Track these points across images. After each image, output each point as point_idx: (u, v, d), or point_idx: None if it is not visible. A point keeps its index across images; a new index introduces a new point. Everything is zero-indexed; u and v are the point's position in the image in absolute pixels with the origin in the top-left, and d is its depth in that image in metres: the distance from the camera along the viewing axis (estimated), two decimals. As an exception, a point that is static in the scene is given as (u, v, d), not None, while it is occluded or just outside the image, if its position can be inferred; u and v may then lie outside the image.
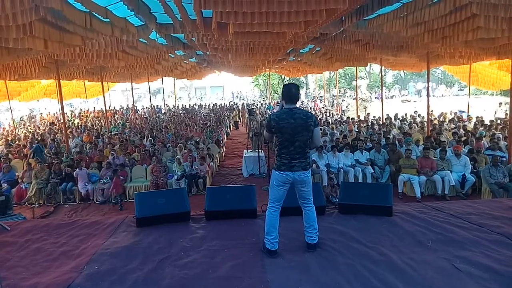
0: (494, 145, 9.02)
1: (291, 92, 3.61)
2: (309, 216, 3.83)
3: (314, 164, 8.63)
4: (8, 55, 7.16)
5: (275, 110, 5.06)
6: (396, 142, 9.72)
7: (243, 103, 32.23)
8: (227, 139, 16.98)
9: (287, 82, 3.78)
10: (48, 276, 3.51)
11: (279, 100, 34.59)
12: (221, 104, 31.10)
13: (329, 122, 16.05)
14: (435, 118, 16.20)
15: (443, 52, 11.14)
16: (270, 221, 3.72)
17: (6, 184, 8.23)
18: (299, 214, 4.66)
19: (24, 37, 5.72)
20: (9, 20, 5.01)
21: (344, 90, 43.88)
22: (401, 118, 16.57)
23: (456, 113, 18.03)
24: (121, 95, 46.88)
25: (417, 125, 14.08)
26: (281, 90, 3.70)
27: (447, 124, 14.23)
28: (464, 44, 8.19)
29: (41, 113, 26.45)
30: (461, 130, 12.29)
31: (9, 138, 15.29)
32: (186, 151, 10.03)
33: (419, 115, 17.24)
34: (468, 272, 3.28)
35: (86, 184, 8.46)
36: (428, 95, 12.18)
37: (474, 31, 6.63)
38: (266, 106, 27.60)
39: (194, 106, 29.79)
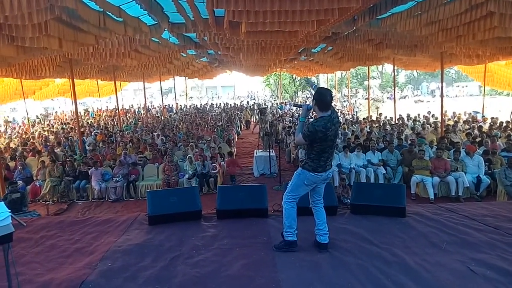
0: (510, 146, 8.85)
1: (326, 99, 3.55)
2: (321, 213, 3.90)
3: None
4: (24, 54, 7.28)
5: (300, 112, 5.11)
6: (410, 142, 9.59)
7: (254, 102, 32.23)
8: (238, 138, 16.99)
9: (320, 87, 3.87)
10: (62, 272, 3.56)
11: (289, 100, 34.58)
12: (232, 103, 31.13)
13: (341, 122, 15.93)
14: (449, 119, 15.97)
15: (458, 51, 10.97)
16: (291, 214, 3.78)
17: (21, 182, 8.37)
18: (310, 214, 4.64)
19: (39, 36, 5.82)
20: (25, 19, 5.10)
21: (356, 90, 43.58)
22: (413, 119, 16.37)
23: (471, 113, 17.74)
24: (133, 94, 47.37)
25: (430, 126, 13.89)
26: (314, 95, 3.61)
27: (461, 125, 14.01)
28: (480, 43, 8.05)
29: (56, 112, 26.86)
30: (476, 131, 12.08)
31: (24, 137, 15.55)
32: (197, 150, 10.07)
33: (432, 115, 17.01)
34: (483, 275, 3.22)
35: (100, 182, 8.55)
36: (441, 95, 12.00)
37: (490, 30, 6.52)
38: (278, 106, 27.54)
39: (205, 105, 29.89)
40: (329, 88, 36.19)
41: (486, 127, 13.23)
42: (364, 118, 17.96)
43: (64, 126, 18.61)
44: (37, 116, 23.91)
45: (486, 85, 17.87)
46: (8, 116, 24.29)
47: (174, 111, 26.13)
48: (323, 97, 3.54)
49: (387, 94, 38.91)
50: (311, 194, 3.91)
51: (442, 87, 12.12)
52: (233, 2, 5.30)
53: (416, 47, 10.32)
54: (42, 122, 21.96)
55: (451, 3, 5.98)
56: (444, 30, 7.14)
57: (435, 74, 36.65)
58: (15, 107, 30.65)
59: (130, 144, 11.55)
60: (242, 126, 21.65)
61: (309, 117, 4.49)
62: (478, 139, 10.40)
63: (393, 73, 18.98)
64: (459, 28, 6.86)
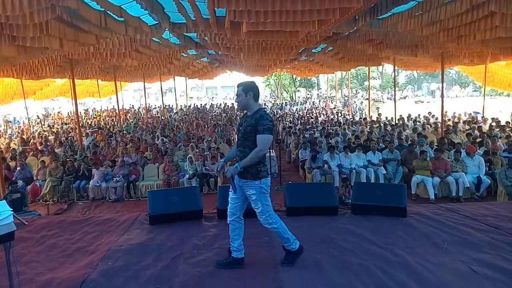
0: (511, 147, 8.84)
1: (258, 89, 3.37)
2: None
3: (326, 165, 8.58)
4: (25, 53, 7.27)
5: (277, 110, 4.95)
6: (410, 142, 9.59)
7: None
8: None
9: (247, 81, 3.42)
10: (63, 272, 3.55)
11: (289, 100, 34.57)
12: (232, 104, 31.14)
13: (341, 123, 15.95)
14: (449, 119, 15.97)
15: (458, 52, 10.97)
16: (284, 227, 3.46)
17: (21, 181, 8.36)
18: (313, 214, 4.65)
19: (40, 36, 5.80)
20: (27, 19, 5.09)
21: (356, 90, 43.62)
22: (414, 119, 16.37)
23: (471, 114, 17.74)
24: (134, 95, 47.39)
25: (431, 126, 13.89)
26: (246, 88, 3.29)
27: (461, 126, 14.00)
28: (481, 44, 8.04)
29: (59, 112, 26.90)
30: (476, 131, 12.08)
31: (25, 136, 15.55)
32: (197, 150, 10.07)
33: (432, 116, 17.01)
34: (485, 275, 3.21)
35: (99, 182, 8.54)
36: (442, 96, 12.01)
37: (491, 30, 6.51)
38: (278, 106, 27.55)
39: (205, 106, 29.90)
40: (331, 86, 36.20)
41: (486, 127, 13.23)
42: (364, 119, 17.97)
43: (64, 126, 18.60)
44: (37, 116, 23.92)
45: (487, 86, 17.87)
46: (7, 115, 24.25)
47: (174, 111, 26.13)
48: (257, 89, 3.34)
49: (387, 95, 38.95)
50: (241, 206, 3.48)
51: (442, 87, 12.15)
52: (234, 2, 5.29)
53: (417, 47, 10.32)
54: (43, 122, 21.95)
55: (452, 3, 5.98)
56: (445, 30, 7.14)
57: (436, 75, 36.68)
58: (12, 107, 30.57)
59: (131, 144, 11.55)
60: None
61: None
62: (478, 140, 10.40)
63: (393, 74, 18.96)
64: (460, 28, 6.86)
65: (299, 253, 3.51)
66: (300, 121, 17.63)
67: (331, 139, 10.99)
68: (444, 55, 11.26)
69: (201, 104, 31.32)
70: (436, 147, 9.09)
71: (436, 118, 15.98)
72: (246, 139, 3.28)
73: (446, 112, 15.35)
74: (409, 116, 16.87)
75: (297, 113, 22.75)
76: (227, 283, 3.26)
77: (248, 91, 3.28)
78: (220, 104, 30.19)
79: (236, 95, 3.38)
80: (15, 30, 5.56)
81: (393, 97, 18.66)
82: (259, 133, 3.16)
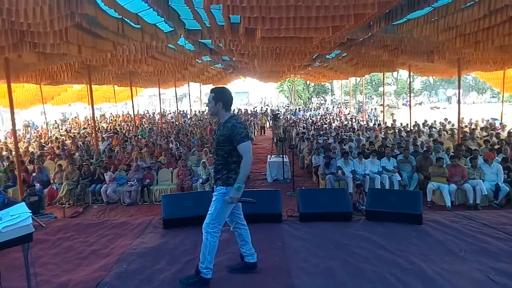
0: (530, 154, 8.63)
1: (230, 97, 3.30)
2: (247, 232, 3.52)
3: (339, 170, 8.52)
4: (44, 60, 7.48)
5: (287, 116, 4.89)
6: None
7: (267, 108, 32.30)
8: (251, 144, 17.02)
9: (220, 86, 3.46)
10: (79, 274, 3.61)
11: (303, 106, 34.49)
12: (244, 109, 31.25)
13: (355, 129, 15.83)
14: (466, 126, 15.69)
15: (475, 57, 10.81)
16: (215, 247, 3.24)
17: (38, 185, 8.54)
18: (327, 220, 4.62)
19: (60, 42, 5.97)
20: (47, 26, 5.24)
21: (370, 96, 43.29)
22: (429, 125, 16.13)
23: (488, 120, 17.40)
24: (149, 100, 48.03)
25: (447, 133, 13.67)
26: (218, 95, 3.25)
27: (478, 132, 13.74)
28: (499, 49, 7.92)
29: (76, 117, 27.47)
30: (494, 138, 11.83)
31: (42, 141, 15.89)
32: (211, 155, 10.12)
33: (449, 122, 16.74)
34: (504, 284, 3.14)
35: (109, 189, 8.60)
36: (459, 102, 11.81)
37: (510, 36, 6.41)
38: (291, 112, 27.51)
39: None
40: (345, 92, 36.03)
41: (504, 134, 12.94)
42: (378, 125, 17.80)
43: (81, 131, 18.95)
44: (55, 121, 24.46)
45: (505, 92, 17.51)
46: (29, 121, 24.84)
47: (189, 117, 26.35)
48: (229, 98, 3.28)
49: (403, 101, 38.54)
50: (235, 213, 3.43)
51: (459, 93, 11.94)
52: (249, 9, 5.34)
53: (433, 53, 10.20)
54: (60, 127, 22.42)
55: (469, 9, 5.90)
56: (462, 35, 7.05)
57: (452, 81, 36.15)
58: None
59: (145, 148, 11.69)
60: (256, 132, 21.70)
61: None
62: (496, 146, 10.18)
63: (408, 79, 18.77)
64: (478, 33, 6.77)
65: (202, 282, 3.22)
66: (314, 127, 17.57)
67: (344, 145, 10.91)
68: (460, 61, 11.10)
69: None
70: (453, 153, 8.93)
71: (453, 125, 15.71)
72: (219, 149, 3.26)
73: (462, 118, 15.09)
74: (424, 122, 16.63)
75: (311, 119, 22.68)
76: (240, 288, 3.26)
77: (218, 100, 3.22)
78: (234, 110, 30.29)
79: (208, 101, 3.33)
80: (36, 37, 5.73)
81: (408, 103, 18.44)
82: (238, 143, 3.10)
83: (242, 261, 3.54)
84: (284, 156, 10.03)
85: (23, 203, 2.48)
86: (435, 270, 3.42)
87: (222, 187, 3.20)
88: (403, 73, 39.38)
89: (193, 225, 4.79)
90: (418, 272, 3.39)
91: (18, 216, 2.33)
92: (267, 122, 23.38)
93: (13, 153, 9.80)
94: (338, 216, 4.90)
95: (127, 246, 4.27)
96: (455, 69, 12.11)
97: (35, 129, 22.19)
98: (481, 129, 14.79)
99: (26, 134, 20.25)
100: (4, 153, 12.43)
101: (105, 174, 8.86)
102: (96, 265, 3.81)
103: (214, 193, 3.31)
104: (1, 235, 2.25)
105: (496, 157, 8.63)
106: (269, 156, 10.92)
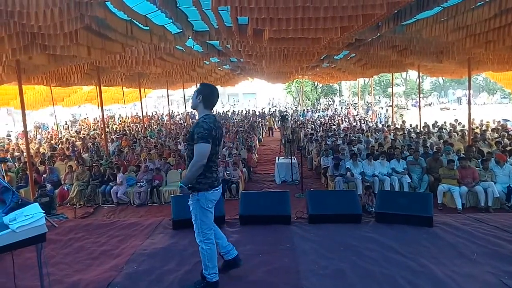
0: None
1: (214, 95, 3.17)
2: (218, 230, 3.49)
3: (348, 172, 8.48)
4: (55, 62, 7.56)
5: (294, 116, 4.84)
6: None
7: (275, 109, 32.28)
8: (259, 145, 17.04)
9: (207, 83, 3.28)
10: (90, 274, 3.65)
11: (310, 108, 34.42)
12: (254, 110, 31.27)
13: (364, 130, 15.74)
14: (477, 127, 15.50)
15: (486, 58, 10.68)
16: (213, 253, 3.21)
17: (49, 185, 8.64)
18: (336, 222, 4.61)
19: (70, 44, 6.03)
20: (57, 29, 5.30)
21: (379, 97, 43.04)
22: (439, 126, 15.98)
23: (500, 121, 17.17)
24: (158, 101, 48.32)
25: (457, 134, 13.52)
26: (201, 90, 3.18)
27: (490, 133, 13.57)
28: (510, 49, 7.81)
29: (85, 118, 27.76)
30: (506, 139, 11.67)
31: (53, 142, 16.08)
32: (219, 156, 10.14)
33: (459, 123, 16.55)
34: (517, 288, 3.10)
35: (119, 192, 8.68)
36: (469, 103, 11.68)
37: (521, 35, 6.33)
38: (299, 113, 27.44)
39: (227, 112, 30.15)
40: (354, 93, 35.86)
41: (516, 135, 12.76)
42: (387, 126, 17.68)
43: (90, 132, 19.13)
44: (65, 122, 24.74)
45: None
46: (40, 122, 25.16)
47: (196, 118, 26.44)
48: (211, 94, 3.16)
49: (412, 102, 38.24)
50: None
51: (469, 94, 11.80)
52: (257, 10, 5.35)
53: (442, 53, 10.10)
54: (70, 128, 22.67)
55: (480, 8, 5.83)
56: (472, 35, 6.97)
57: (462, 81, 35.79)
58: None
59: (154, 150, 11.75)
60: (264, 133, 21.70)
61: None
62: (508, 148, 10.04)
63: (418, 80, 18.61)
64: (488, 33, 6.68)
65: (211, 286, 3.21)
66: (322, 128, 17.52)
67: (353, 146, 10.86)
68: (471, 61, 10.97)
69: (223, 111, 31.59)
70: (463, 155, 8.83)
71: (463, 126, 15.54)
72: (187, 148, 3.20)
73: (473, 119, 14.91)
74: (435, 124, 16.47)
75: (319, 120, 22.61)
76: (249, 289, 3.26)
77: (200, 93, 3.14)
78: (242, 110, 30.37)
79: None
80: (46, 39, 5.81)
81: (418, 104, 18.29)
82: (195, 142, 2.98)
83: (224, 260, 3.51)
84: (292, 157, 10.01)
85: (37, 203, 2.52)
86: (446, 273, 3.39)
87: (194, 193, 3.13)
88: (412, 74, 39.08)
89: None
90: (429, 275, 3.36)
91: (32, 217, 2.37)
92: (275, 124, 23.37)
93: (25, 154, 9.93)
94: (347, 218, 4.88)
95: (137, 246, 4.30)
96: (465, 70, 11.97)
97: (46, 131, 22.45)
98: (492, 130, 14.60)
99: (37, 135, 20.50)
100: (16, 154, 12.60)
101: (117, 175, 8.94)
102: (107, 265, 3.84)
103: (189, 202, 3.24)
104: (15, 235, 2.29)
105: (508, 159, 8.51)
106: (277, 157, 10.92)
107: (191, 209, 3.22)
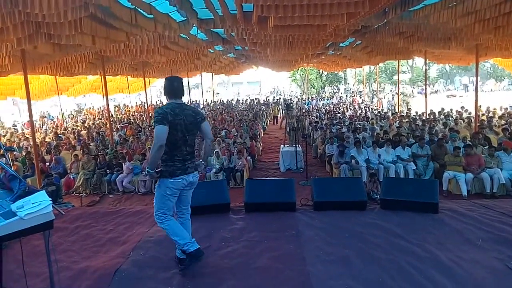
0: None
1: (173, 86, 3.27)
2: (187, 224, 3.55)
3: (353, 160, 8.46)
4: (59, 51, 7.55)
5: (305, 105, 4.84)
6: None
7: (280, 97, 32.13)
8: (264, 133, 17.02)
9: (168, 76, 3.37)
10: (97, 261, 3.69)
11: (315, 96, 34.25)
12: (258, 99, 31.16)
13: (369, 117, 15.65)
14: (483, 114, 15.34)
15: (495, 43, 10.50)
16: (175, 228, 3.31)
17: (56, 174, 8.71)
18: (341, 209, 4.61)
19: (74, 33, 6.01)
20: (61, 17, 5.28)
21: (384, 84, 42.65)
22: (446, 114, 15.83)
23: (507, 108, 16.97)
24: (161, 90, 48.26)
25: (464, 121, 13.40)
26: (167, 81, 3.31)
27: (496, 120, 13.43)
28: (519, 35, 7.68)
29: (91, 107, 27.86)
30: (513, 126, 11.55)
31: (59, 131, 16.17)
32: (224, 145, 10.16)
33: (465, 111, 16.39)
34: (523, 273, 3.10)
35: (124, 181, 8.73)
36: (476, 90, 11.55)
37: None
38: (304, 102, 27.30)
39: (231, 101, 30.09)
40: (359, 81, 35.58)
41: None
42: (393, 113, 17.55)
43: (96, 121, 19.20)
44: (70, 111, 24.84)
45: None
46: (45, 112, 25.26)
47: (201, 107, 26.43)
48: (170, 85, 3.27)
49: (418, 89, 37.87)
50: (176, 203, 3.44)
51: (476, 81, 11.67)
52: (261, -3, 5.30)
53: (450, 39, 9.94)
54: (75, 117, 22.76)
55: (489, -7, 5.74)
56: (481, 21, 6.85)
57: (469, 68, 35.30)
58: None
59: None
60: (269, 121, 21.65)
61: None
62: (515, 135, 9.94)
63: (424, 67, 18.40)
64: (498, 18, 6.57)
65: (195, 256, 3.28)
66: (327, 116, 17.44)
67: (358, 134, 10.81)
68: (479, 47, 10.80)
69: (227, 100, 31.52)
70: (469, 142, 8.77)
71: (470, 113, 15.40)
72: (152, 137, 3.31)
73: (480, 106, 14.76)
74: (441, 111, 16.33)
75: (324, 108, 22.50)
76: (255, 275, 3.29)
77: (163, 89, 3.34)
78: (246, 99, 30.27)
79: None
80: (51, 28, 5.79)
81: (424, 91, 18.12)
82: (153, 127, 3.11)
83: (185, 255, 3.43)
84: (297, 145, 10.00)
85: (43, 191, 2.53)
86: (451, 258, 3.39)
87: (159, 181, 3.28)
88: (419, 61, 38.64)
89: (208, 213, 4.86)
90: (435, 261, 3.37)
91: (39, 204, 2.38)
92: (280, 112, 23.27)
93: (31, 143, 10.01)
94: (352, 205, 4.89)
95: (143, 234, 4.34)
96: (473, 56, 11.79)
97: (51, 120, 22.56)
98: (499, 117, 14.45)
99: (43, 125, 20.62)
100: (22, 143, 12.70)
101: (123, 164, 8.98)
102: (113, 252, 3.89)
103: (197, 177, 3.46)
104: (23, 222, 2.30)
105: (515, 146, 8.43)
106: (282, 145, 10.91)
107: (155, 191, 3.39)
